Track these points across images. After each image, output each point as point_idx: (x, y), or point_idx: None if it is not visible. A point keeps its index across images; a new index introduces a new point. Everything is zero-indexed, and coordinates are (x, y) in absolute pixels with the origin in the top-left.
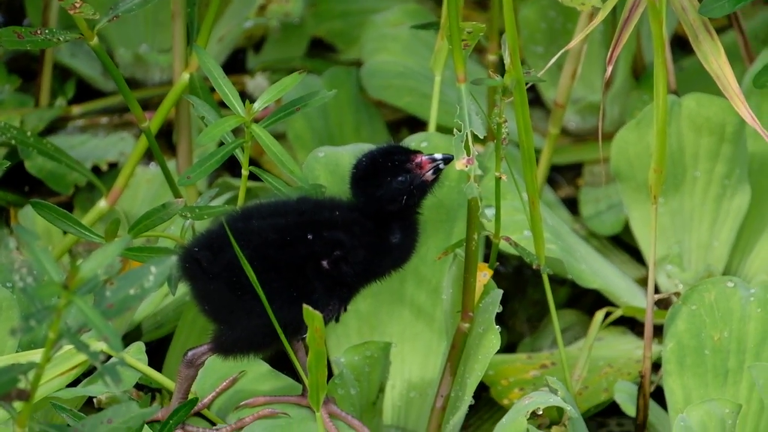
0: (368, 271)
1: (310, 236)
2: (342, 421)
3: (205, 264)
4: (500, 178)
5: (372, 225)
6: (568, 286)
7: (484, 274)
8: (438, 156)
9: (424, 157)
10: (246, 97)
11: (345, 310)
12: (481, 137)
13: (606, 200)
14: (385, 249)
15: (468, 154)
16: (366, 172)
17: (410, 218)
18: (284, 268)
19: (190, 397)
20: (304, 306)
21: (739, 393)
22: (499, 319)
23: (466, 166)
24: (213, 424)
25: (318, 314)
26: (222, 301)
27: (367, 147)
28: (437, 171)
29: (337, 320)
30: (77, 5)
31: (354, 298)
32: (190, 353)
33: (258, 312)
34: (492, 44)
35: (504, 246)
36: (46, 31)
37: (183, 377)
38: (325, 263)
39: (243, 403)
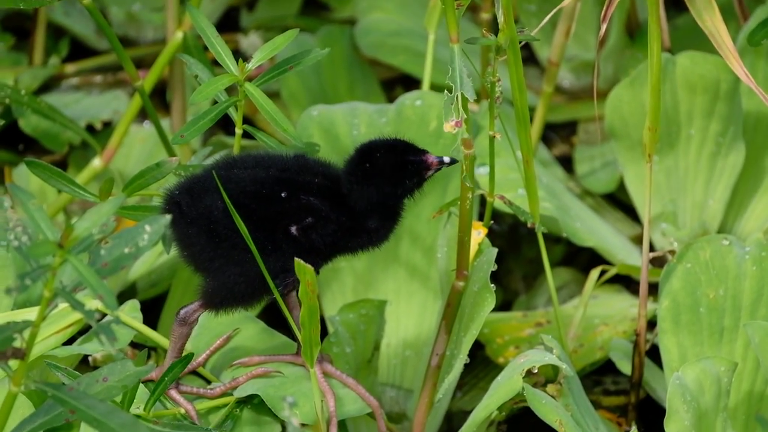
0: (337, 245)
1: (284, 194)
2: (336, 380)
3: (184, 208)
4: (494, 137)
5: (352, 207)
6: (564, 245)
7: (478, 233)
8: (446, 159)
9: (434, 159)
10: (239, 55)
11: (317, 273)
12: (472, 100)
13: (600, 158)
14: (359, 231)
15: (457, 116)
16: (380, 164)
17: (394, 208)
18: (258, 221)
19: (185, 353)
20: (296, 259)
21: (735, 351)
22: (495, 277)
23: (454, 129)
24: (208, 382)
25: (309, 267)
26: (200, 248)
27: (361, 106)
28: (437, 171)
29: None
30: None
31: (324, 264)
32: (182, 311)
33: (236, 260)
34: (485, 3)
35: (499, 204)
36: None
37: (177, 336)
38: (294, 229)
39: (237, 362)
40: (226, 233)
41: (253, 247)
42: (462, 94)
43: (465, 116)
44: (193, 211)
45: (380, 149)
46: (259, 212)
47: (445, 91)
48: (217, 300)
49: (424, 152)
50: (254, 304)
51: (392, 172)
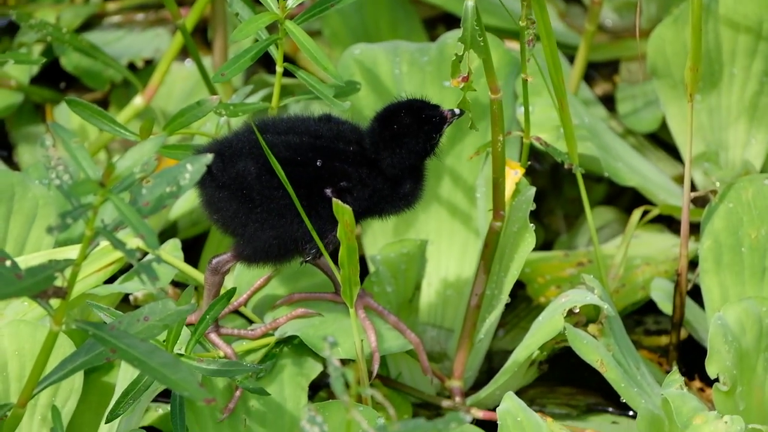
0: (371, 210)
1: (319, 162)
2: (377, 315)
3: (214, 171)
4: (527, 80)
5: (383, 172)
6: (605, 184)
7: (515, 173)
8: (456, 111)
9: (447, 112)
10: None
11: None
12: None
13: (643, 97)
14: (391, 195)
15: (465, 72)
16: (406, 125)
17: (421, 169)
18: (292, 186)
19: (226, 290)
20: (334, 200)
21: None
22: (536, 216)
23: (461, 84)
24: (250, 321)
25: (347, 208)
26: (232, 213)
27: (403, 45)
28: (449, 124)
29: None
30: None
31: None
32: (214, 261)
33: (270, 224)
34: None
35: (538, 144)
36: None
37: (210, 284)
38: (329, 191)
39: (278, 302)
40: (260, 199)
41: (298, 205)
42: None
43: (471, 72)
44: (224, 176)
45: (401, 111)
46: (293, 177)
47: (455, 49)
48: (250, 258)
49: (438, 107)
50: (288, 263)
51: (418, 131)
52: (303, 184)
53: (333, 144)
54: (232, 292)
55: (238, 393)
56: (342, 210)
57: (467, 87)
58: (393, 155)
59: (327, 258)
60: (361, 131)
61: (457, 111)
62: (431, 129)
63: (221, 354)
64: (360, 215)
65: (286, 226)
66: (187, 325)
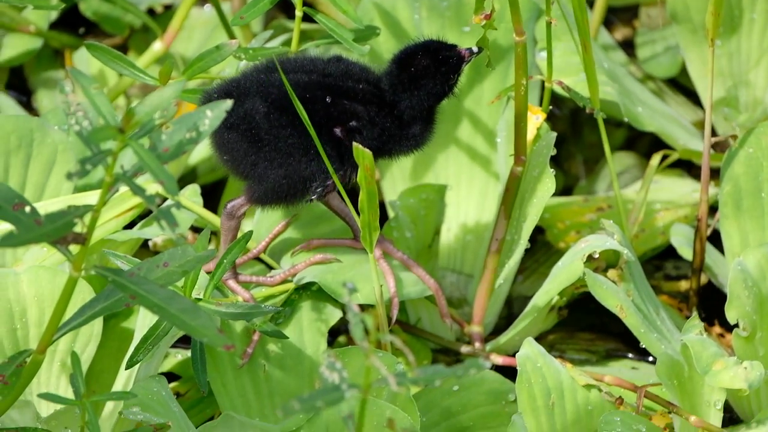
0: (379, 150)
1: (328, 99)
2: (396, 260)
3: None
4: (551, 22)
5: (394, 111)
6: (625, 129)
7: (537, 117)
8: (475, 48)
9: (465, 51)
10: None
11: (356, 176)
12: None
13: (662, 42)
14: (399, 137)
15: (487, 9)
16: (424, 67)
17: (433, 110)
18: (301, 124)
19: (242, 234)
20: (354, 144)
21: None
22: (556, 161)
23: (483, 21)
24: (269, 267)
25: (368, 152)
26: (242, 153)
27: None
28: (468, 63)
29: (349, 183)
30: None
31: None
32: (229, 205)
33: (278, 163)
34: None
35: (560, 89)
36: None
37: (226, 228)
38: (338, 131)
39: (297, 248)
40: (268, 138)
41: (313, 134)
42: None
43: (495, 10)
44: (233, 116)
45: (418, 53)
46: (301, 117)
47: None
48: (262, 200)
49: (455, 46)
50: (298, 203)
51: (436, 72)
52: (312, 123)
53: (342, 82)
54: (248, 236)
55: (256, 337)
56: (362, 154)
57: (489, 25)
58: (411, 97)
59: (344, 194)
60: (371, 71)
61: (474, 49)
62: (449, 70)
63: (239, 300)
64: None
65: (295, 165)
66: (206, 272)
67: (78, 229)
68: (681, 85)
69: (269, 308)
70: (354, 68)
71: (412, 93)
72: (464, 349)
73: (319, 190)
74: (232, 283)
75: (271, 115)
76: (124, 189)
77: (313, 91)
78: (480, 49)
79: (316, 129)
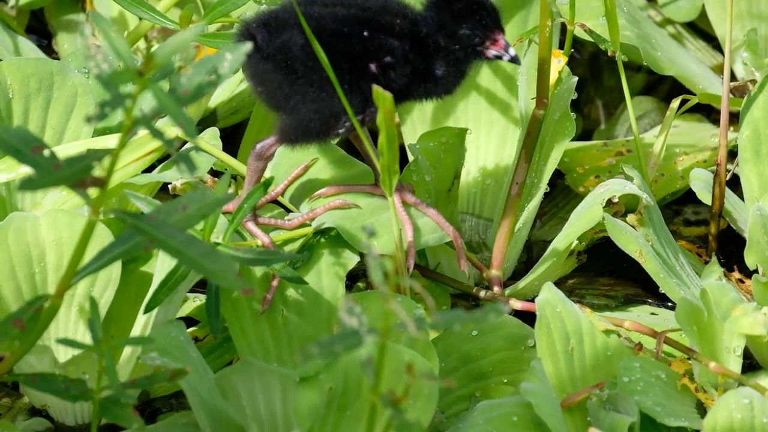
0: (410, 88)
1: (366, 33)
2: (416, 209)
3: (259, 42)
4: None
5: (423, 50)
6: (644, 73)
7: (558, 61)
8: (512, 52)
9: (502, 40)
10: None
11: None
12: None
13: None
14: (425, 76)
15: None
16: (453, 8)
17: (459, 64)
18: (337, 58)
19: (264, 180)
20: (374, 86)
21: None
22: (575, 106)
23: None
24: (288, 211)
25: (388, 94)
26: (277, 84)
27: None
28: (498, 58)
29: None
30: None
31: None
32: (258, 145)
33: (311, 97)
34: None
35: (579, 32)
36: None
37: (252, 169)
38: (373, 67)
39: (316, 193)
40: (303, 70)
41: (334, 79)
42: None
43: None
44: (270, 47)
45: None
46: (339, 50)
47: None
48: (292, 136)
49: (500, 29)
50: (329, 140)
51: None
52: (348, 58)
53: (379, 16)
54: (269, 182)
55: (275, 283)
56: (382, 96)
57: None
58: (447, 43)
59: (363, 138)
60: (408, 6)
61: (513, 52)
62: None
63: (259, 243)
64: (402, 94)
65: (327, 100)
66: (224, 213)
67: (97, 172)
68: (700, 29)
69: (288, 254)
70: (392, 3)
71: (448, 40)
72: (483, 293)
73: (347, 124)
74: (251, 225)
75: (308, 48)
76: (143, 132)
77: (351, 25)
78: (515, 59)
79: (353, 63)
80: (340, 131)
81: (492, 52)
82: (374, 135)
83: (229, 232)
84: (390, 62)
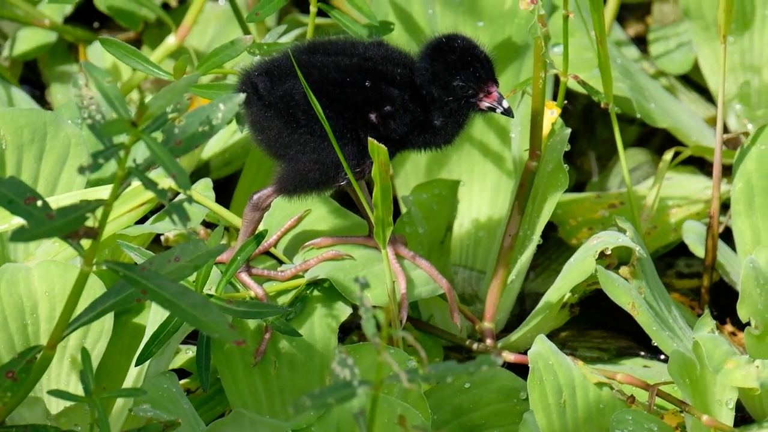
0: (409, 138)
1: (368, 83)
2: (409, 261)
3: (261, 90)
4: (568, 15)
5: (422, 100)
6: (637, 125)
7: (552, 112)
8: (505, 104)
9: (496, 92)
10: None
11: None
12: None
13: (675, 38)
14: (424, 126)
15: None
16: (447, 59)
17: (455, 115)
18: (339, 108)
19: (257, 232)
20: (369, 139)
21: None
22: (568, 158)
23: (530, 6)
24: (280, 262)
25: (383, 147)
26: (276, 132)
27: None
28: (491, 110)
29: None
30: None
31: (394, 156)
32: (255, 196)
33: (312, 147)
34: None
35: (573, 84)
36: None
37: (248, 220)
38: (373, 116)
39: (309, 243)
40: (305, 119)
41: (330, 132)
42: None
43: None
44: (271, 95)
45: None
46: (340, 99)
47: None
48: (290, 186)
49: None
50: (327, 190)
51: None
52: (349, 107)
53: (381, 66)
54: (262, 235)
55: (268, 335)
56: (377, 149)
57: (537, 8)
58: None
59: (357, 189)
60: (409, 55)
61: (505, 104)
62: (468, 105)
63: (251, 294)
64: (400, 144)
65: (328, 150)
66: (217, 264)
67: (90, 223)
68: (693, 82)
69: (280, 307)
70: (394, 53)
71: (441, 92)
72: (476, 346)
73: (347, 175)
74: (245, 276)
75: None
76: (136, 183)
77: (353, 74)
78: (508, 111)
79: (354, 113)
80: (341, 183)
81: (485, 104)
82: (369, 186)
83: (223, 283)
84: (390, 111)
